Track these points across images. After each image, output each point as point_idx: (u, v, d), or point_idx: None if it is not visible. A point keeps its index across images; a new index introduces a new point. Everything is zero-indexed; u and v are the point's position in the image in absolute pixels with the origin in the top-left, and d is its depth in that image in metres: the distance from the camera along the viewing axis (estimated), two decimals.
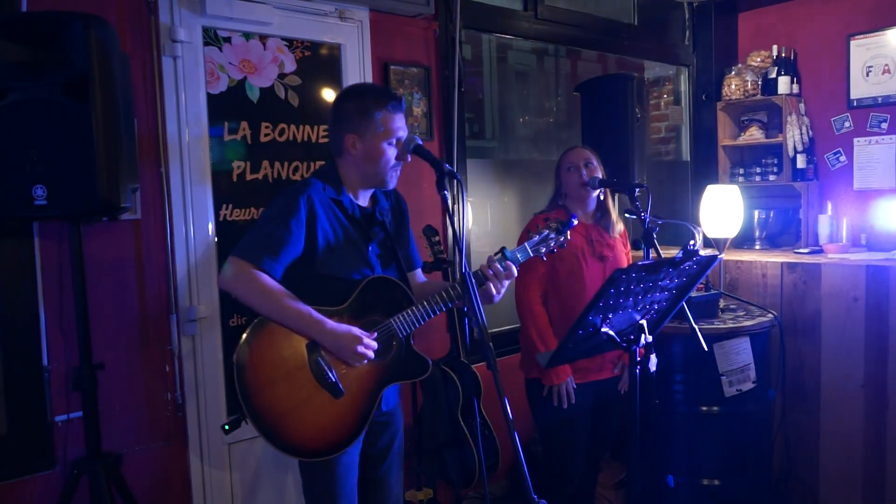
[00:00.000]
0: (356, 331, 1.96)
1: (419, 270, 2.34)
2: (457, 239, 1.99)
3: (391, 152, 2.07)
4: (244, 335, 1.94)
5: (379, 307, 2.06)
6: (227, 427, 2.00)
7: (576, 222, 2.24)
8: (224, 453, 2.84)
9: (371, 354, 1.97)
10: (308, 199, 2.00)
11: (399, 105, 2.10)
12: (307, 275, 2.01)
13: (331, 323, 1.95)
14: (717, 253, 3.25)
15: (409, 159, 2.10)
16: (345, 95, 2.15)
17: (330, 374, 1.96)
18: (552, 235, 2.14)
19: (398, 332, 2.05)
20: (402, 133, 2.09)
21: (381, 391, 2.06)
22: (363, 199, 2.16)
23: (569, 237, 2.18)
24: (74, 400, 2.41)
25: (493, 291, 2.05)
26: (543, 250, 2.14)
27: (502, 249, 2.10)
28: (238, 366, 1.92)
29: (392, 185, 2.13)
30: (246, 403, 1.91)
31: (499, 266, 2.04)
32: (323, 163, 3.06)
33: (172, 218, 2.68)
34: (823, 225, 4.15)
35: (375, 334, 2.01)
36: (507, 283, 2.07)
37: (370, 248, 2.11)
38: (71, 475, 2.33)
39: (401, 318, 2.05)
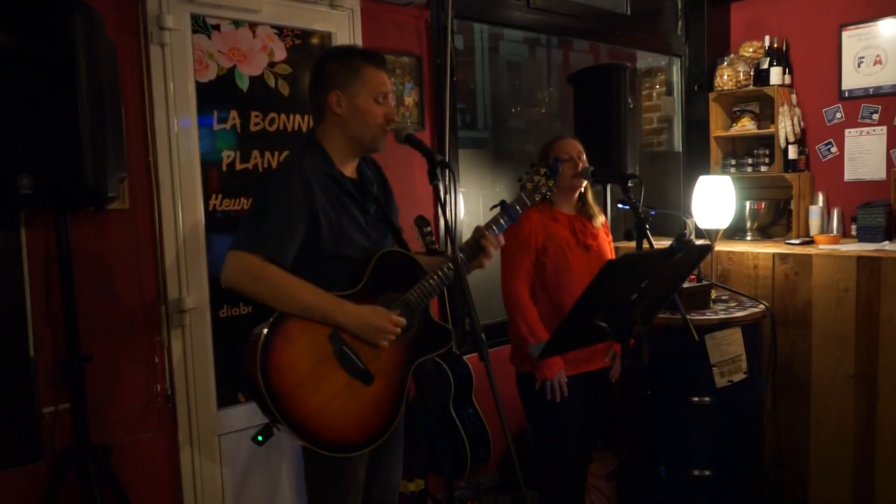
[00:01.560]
0: (381, 310, 1.90)
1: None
2: (448, 229, 1.98)
3: (378, 109, 1.99)
4: (262, 338, 1.79)
5: (393, 283, 1.99)
6: (259, 438, 1.87)
7: (560, 166, 2.31)
8: (214, 444, 2.82)
9: (398, 331, 1.91)
10: (303, 177, 1.90)
11: (383, 63, 2.04)
12: (313, 258, 1.92)
13: (353, 306, 1.88)
14: (710, 243, 3.24)
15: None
16: (327, 54, 2.06)
17: (358, 362, 1.89)
18: (543, 181, 2.16)
19: (417, 304, 2.00)
20: (387, 90, 2.02)
21: (411, 369, 2.01)
22: (349, 171, 2.06)
23: (558, 180, 2.25)
24: (62, 391, 2.39)
25: (491, 249, 2.06)
26: (538, 197, 2.17)
27: (501, 202, 2.09)
28: (263, 372, 1.78)
29: (380, 147, 2.04)
30: (277, 408, 1.79)
31: (486, 234, 2.05)
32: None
33: (161, 208, 2.65)
34: (814, 216, 4.16)
35: (398, 310, 1.95)
36: (502, 240, 2.10)
37: (369, 223, 2.05)
38: (59, 467, 2.31)
39: (417, 290, 1.99)
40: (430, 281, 1.99)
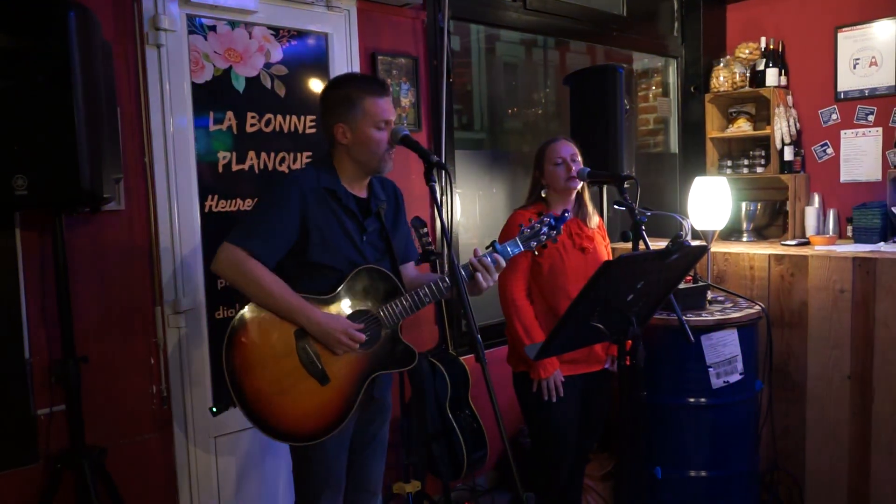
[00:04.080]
0: (342, 320, 2.01)
1: (412, 263, 2.34)
2: (445, 230, 2.00)
3: (381, 136, 2.08)
4: (235, 317, 1.98)
5: (368, 297, 2.09)
6: (214, 409, 2.13)
7: (570, 216, 2.26)
8: (210, 446, 2.82)
9: (355, 345, 2.01)
10: (299, 188, 2.02)
11: (383, 89, 2.11)
12: (299, 263, 2.04)
13: (318, 311, 2.00)
14: (706, 244, 3.25)
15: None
16: (329, 87, 2.16)
17: (317, 362, 2.01)
18: (544, 230, 2.18)
19: (386, 322, 2.08)
20: (390, 116, 2.10)
21: (367, 380, 2.08)
22: (359, 190, 2.16)
23: (561, 232, 2.23)
24: (57, 393, 2.39)
25: (483, 283, 2.06)
26: (534, 244, 2.17)
27: (493, 243, 2.13)
28: (227, 346, 1.96)
29: (387, 169, 2.13)
30: (232, 384, 1.96)
31: (488, 260, 2.07)
32: (310, 154, 3.05)
33: (157, 209, 2.65)
34: (810, 217, 4.17)
35: (362, 325, 2.04)
36: (496, 275, 2.10)
37: (363, 239, 2.12)
38: (54, 469, 2.30)
39: (389, 308, 2.08)
40: (404, 301, 2.08)
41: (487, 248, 2.11)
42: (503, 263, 2.10)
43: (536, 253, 2.22)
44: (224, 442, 2.86)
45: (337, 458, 2.15)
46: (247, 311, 2.00)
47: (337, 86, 2.14)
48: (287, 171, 3.00)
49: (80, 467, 2.29)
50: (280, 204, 2.00)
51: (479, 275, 2.05)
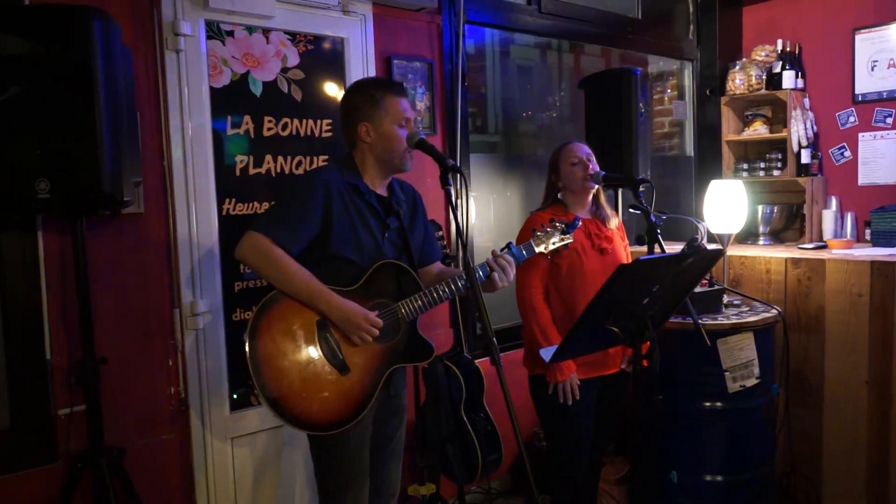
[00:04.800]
0: (362, 308, 2.04)
1: (438, 263, 2.39)
2: (460, 233, 2.02)
3: (402, 133, 2.15)
4: (257, 306, 2.02)
5: (388, 291, 2.13)
6: (235, 396, 2.20)
7: (580, 223, 2.33)
8: (227, 448, 2.84)
9: (375, 332, 2.05)
10: (325, 181, 2.08)
11: (402, 90, 2.22)
12: (322, 256, 2.08)
13: (338, 298, 2.03)
14: (721, 248, 3.23)
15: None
16: (351, 91, 2.24)
17: (338, 352, 2.04)
18: (556, 234, 2.24)
19: (405, 316, 2.12)
20: (410, 114, 2.18)
21: (386, 372, 2.12)
22: (380, 189, 2.22)
23: (573, 238, 2.27)
24: (77, 394, 2.41)
25: (499, 282, 2.12)
26: (545, 248, 2.24)
27: (508, 245, 2.18)
28: (250, 334, 1.99)
29: (408, 167, 2.20)
30: (255, 372, 1.98)
31: (503, 260, 2.12)
32: (326, 157, 3.07)
33: (175, 212, 2.68)
34: (828, 220, 4.14)
35: (380, 315, 2.07)
36: (511, 273, 2.15)
37: (385, 235, 2.18)
38: (73, 469, 2.34)
39: (408, 303, 2.12)
40: (423, 297, 2.12)
41: (503, 249, 2.17)
42: (514, 265, 2.16)
43: (549, 257, 2.24)
44: (241, 443, 2.88)
45: (361, 454, 2.18)
46: (270, 298, 2.03)
47: (359, 87, 2.22)
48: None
49: (99, 467, 2.32)
50: (305, 196, 2.05)
51: (495, 274, 2.11)
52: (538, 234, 2.23)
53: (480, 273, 2.10)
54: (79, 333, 2.35)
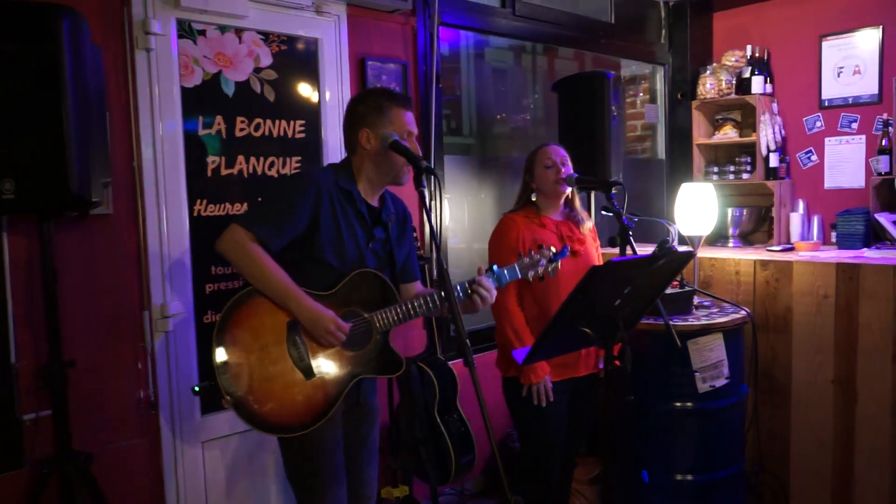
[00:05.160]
0: (331, 312, 2.02)
1: (419, 283, 2.37)
2: (433, 235, 2.01)
3: (405, 146, 2.12)
4: (232, 299, 2.00)
5: (364, 300, 2.11)
6: (196, 388, 2.18)
7: (568, 254, 2.35)
8: (198, 452, 2.81)
9: (342, 337, 2.03)
10: (317, 183, 2.06)
11: (409, 103, 2.22)
12: (304, 256, 2.06)
13: (309, 300, 2.01)
14: (692, 250, 3.28)
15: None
16: (358, 98, 2.23)
17: (305, 356, 2.02)
18: (543, 262, 2.23)
19: (378, 327, 2.10)
20: (414, 129, 2.18)
21: (352, 381, 2.09)
22: (372, 199, 2.21)
23: (559, 267, 2.27)
24: (44, 398, 2.37)
25: (479, 305, 2.13)
26: (531, 273, 2.23)
27: (492, 266, 2.18)
28: (219, 326, 1.96)
29: (405, 181, 2.18)
30: (219, 368, 1.96)
31: (483, 289, 2.11)
32: (300, 158, 3.05)
33: (145, 213, 2.64)
34: (795, 223, 4.22)
35: (353, 323, 2.06)
36: (491, 299, 2.15)
37: (368, 245, 2.16)
38: (40, 475, 2.29)
39: (382, 314, 2.10)
40: (398, 310, 2.11)
41: (487, 271, 2.17)
42: (494, 292, 2.16)
43: (532, 281, 2.27)
44: (212, 446, 2.85)
45: (335, 452, 2.16)
46: (243, 295, 2.01)
47: (367, 96, 2.22)
48: (276, 175, 3.00)
49: (67, 473, 2.28)
50: (295, 195, 2.03)
51: (476, 297, 2.11)
52: (525, 260, 2.22)
53: (459, 291, 2.10)
54: (45, 336, 2.30)
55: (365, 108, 2.16)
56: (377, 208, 2.22)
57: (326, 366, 2.05)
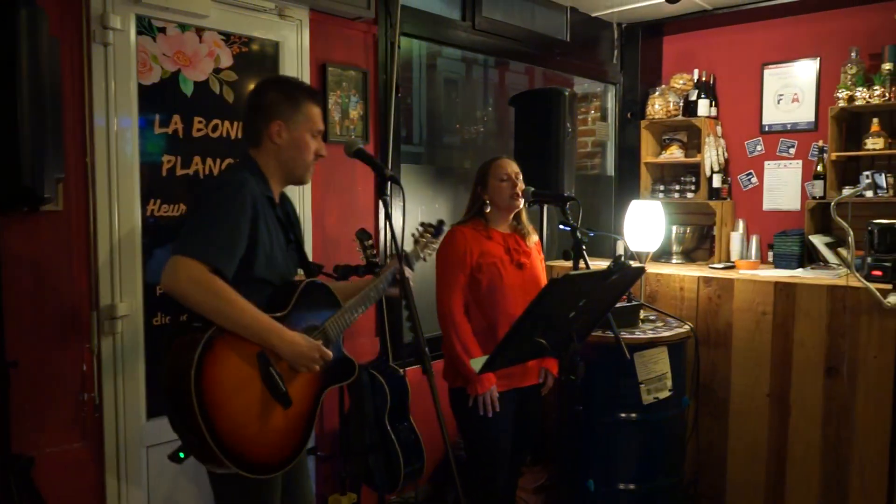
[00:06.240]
0: (312, 341, 1.93)
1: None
2: (396, 243, 2.02)
3: (313, 144, 2.04)
4: (199, 346, 1.74)
5: (313, 312, 2.04)
6: (182, 455, 1.78)
7: (446, 229, 2.58)
8: (142, 456, 2.74)
9: (322, 363, 1.95)
10: (252, 194, 1.89)
11: (320, 98, 2.18)
12: (243, 278, 1.86)
13: (289, 332, 1.88)
14: (643, 266, 3.38)
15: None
16: (270, 83, 2.07)
17: (281, 384, 1.88)
18: (429, 238, 2.52)
19: (332, 335, 2.06)
20: (322, 128, 2.08)
21: (321, 396, 2.05)
22: (277, 199, 2.08)
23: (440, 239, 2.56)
24: None
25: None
26: (423, 253, 2.51)
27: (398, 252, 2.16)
28: (197, 389, 1.71)
29: (308, 180, 2.10)
30: (207, 426, 1.72)
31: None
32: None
33: (96, 211, 2.58)
34: (735, 242, 4.38)
35: (322, 341, 1.99)
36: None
37: (288, 248, 2.08)
38: None
39: (333, 322, 2.06)
40: (346, 316, 2.09)
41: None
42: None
43: (425, 259, 2.52)
44: (157, 451, 2.78)
45: (276, 487, 2.02)
46: (210, 336, 1.77)
47: (278, 83, 2.07)
48: (231, 171, 2.94)
49: (5, 477, 2.19)
50: (236, 211, 1.84)
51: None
52: (419, 241, 2.50)
53: (386, 282, 2.20)
54: None
55: (276, 97, 1.99)
56: (282, 208, 2.09)
57: (300, 389, 1.96)
